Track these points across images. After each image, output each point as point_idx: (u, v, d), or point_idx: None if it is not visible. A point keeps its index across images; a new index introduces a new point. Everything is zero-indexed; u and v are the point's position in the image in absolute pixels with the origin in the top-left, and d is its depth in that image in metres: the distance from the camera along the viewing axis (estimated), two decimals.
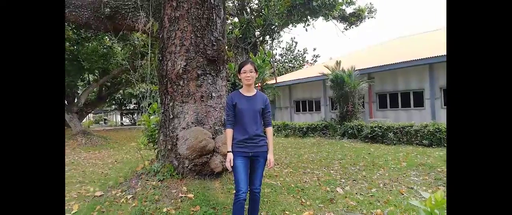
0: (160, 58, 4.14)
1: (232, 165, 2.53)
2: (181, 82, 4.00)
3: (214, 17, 4.06)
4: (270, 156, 2.61)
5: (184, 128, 3.97)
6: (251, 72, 2.57)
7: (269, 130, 2.70)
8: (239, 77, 2.69)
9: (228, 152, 2.56)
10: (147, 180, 3.93)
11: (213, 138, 3.95)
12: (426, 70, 11.20)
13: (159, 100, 4.51)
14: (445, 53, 1.42)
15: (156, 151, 4.50)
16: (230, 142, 2.57)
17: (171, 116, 4.07)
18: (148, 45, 10.63)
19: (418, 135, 8.42)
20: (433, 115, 11.00)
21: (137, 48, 11.64)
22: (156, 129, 4.61)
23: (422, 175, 4.82)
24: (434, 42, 12.38)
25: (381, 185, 4.37)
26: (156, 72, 4.68)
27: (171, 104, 4.08)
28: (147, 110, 4.99)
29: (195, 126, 3.97)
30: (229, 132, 2.58)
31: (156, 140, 4.50)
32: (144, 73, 11.10)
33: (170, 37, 4.00)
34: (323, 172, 5.21)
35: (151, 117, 4.88)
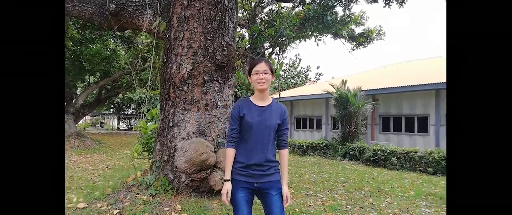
0: (165, 60, 3.84)
1: (229, 198, 1.85)
2: (185, 88, 3.69)
3: (227, 20, 3.79)
4: (285, 188, 1.92)
5: (184, 138, 3.63)
6: (265, 73, 1.88)
7: (284, 153, 2.00)
8: (250, 81, 2.01)
9: (225, 180, 1.89)
10: (138, 194, 3.56)
11: (215, 152, 3.61)
12: (433, 96, 11.00)
13: (159, 106, 4.18)
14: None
15: (150, 161, 4.14)
16: (230, 166, 1.89)
17: (171, 124, 3.73)
18: (152, 50, 10.45)
19: (422, 161, 8.16)
20: (437, 141, 10.71)
21: (140, 53, 11.43)
22: (153, 137, 4.26)
23: (433, 207, 4.54)
24: (440, 69, 12.25)
25: (391, 214, 4.07)
26: (158, 76, 4.37)
27: (172, 111, 3.75)
28: (145, 115, 4.65)
29: (196, 137, 3.64)
30: (230, 152, 1.91)
31: (152, 149, 4.15)
32: (146, 78, 10.83)
33: (177, 38, 3.71)
34: (327, 196, 4.90)
35: (149, 124, 4.54)
